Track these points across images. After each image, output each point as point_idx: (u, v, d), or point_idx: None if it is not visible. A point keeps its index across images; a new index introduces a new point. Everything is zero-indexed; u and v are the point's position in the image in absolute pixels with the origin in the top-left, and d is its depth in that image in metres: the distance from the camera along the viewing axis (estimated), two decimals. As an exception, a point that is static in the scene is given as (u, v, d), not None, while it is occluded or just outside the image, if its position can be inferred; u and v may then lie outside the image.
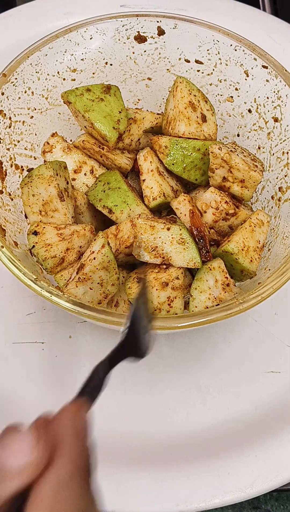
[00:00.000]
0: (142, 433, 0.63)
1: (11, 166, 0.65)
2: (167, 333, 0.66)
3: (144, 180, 0.66)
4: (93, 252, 0.58)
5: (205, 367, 0.68)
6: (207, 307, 0.59)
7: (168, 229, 0.60)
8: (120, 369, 0.68)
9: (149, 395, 0.66)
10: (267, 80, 0.67)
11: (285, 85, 0.66)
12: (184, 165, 0.65)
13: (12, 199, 0.64)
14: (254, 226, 0.63)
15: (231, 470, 0.61)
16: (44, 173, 0.61)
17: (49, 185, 0.61)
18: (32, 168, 0.66)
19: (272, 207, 0.68)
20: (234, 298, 0.56)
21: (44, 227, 0.61)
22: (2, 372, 0.66)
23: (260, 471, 0.61)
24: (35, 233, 0.61)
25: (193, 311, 0.59)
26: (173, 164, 0.65)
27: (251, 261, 0.62)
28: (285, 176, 0.66)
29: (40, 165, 0.62)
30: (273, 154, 0.68)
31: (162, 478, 0.60)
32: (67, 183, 0.64)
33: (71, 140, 0.72)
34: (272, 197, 0.68)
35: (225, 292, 0.61)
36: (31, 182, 0.61)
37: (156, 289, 0.59)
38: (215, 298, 0.60)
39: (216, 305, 0.57)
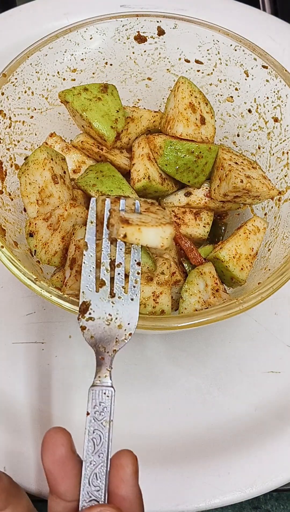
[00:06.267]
0: (142, 433, 0.63)
1: (11, 166, 0.65)
2: (167, 333, 0.66)
3: (133, 164, 0.66)
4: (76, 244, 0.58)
5: (205, 367, 0.68)
6: (196, 310, 0.59)
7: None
8: (120, 369, 0.68)
9: (149, 395, 0.66)
10: (267, 80, 0.67)
11: (285, 85, 0.66)
12: (177, 166, 0.65)
13: (12, 199, 0.64)
14: (249, 233, 0.63)
15: (231, 470, 0.61)
16: (38, 157, 0.61)
17: (44, 169, 0.61)
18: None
19: (272, 207, 0.68)
20: (234, 298, 0.56)
21: (36, 224, 0.61)
22: (2, 372, 0.66)
23: (260, 471, 0.61)
24: (31, 234, 0.61)
25: (182, 312, 0.59)
26: (166, 165, 0.65)
27: (241, 269, 0.62)
28: (285, 176, 0.66)
29: (35, 150, 0.62)
30: (273, 154, 0.68)
31: (162, 478, 0.60)
32: (64, 172, 0.64)
33: (71, 140, 0.72)
34: (272, 197, 0.68)
35: (215, 297, 0.61)
36: (27, 169, 0.61)
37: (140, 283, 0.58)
38: (205, 302, 0.60)
39: (205, 309, 0.57)
